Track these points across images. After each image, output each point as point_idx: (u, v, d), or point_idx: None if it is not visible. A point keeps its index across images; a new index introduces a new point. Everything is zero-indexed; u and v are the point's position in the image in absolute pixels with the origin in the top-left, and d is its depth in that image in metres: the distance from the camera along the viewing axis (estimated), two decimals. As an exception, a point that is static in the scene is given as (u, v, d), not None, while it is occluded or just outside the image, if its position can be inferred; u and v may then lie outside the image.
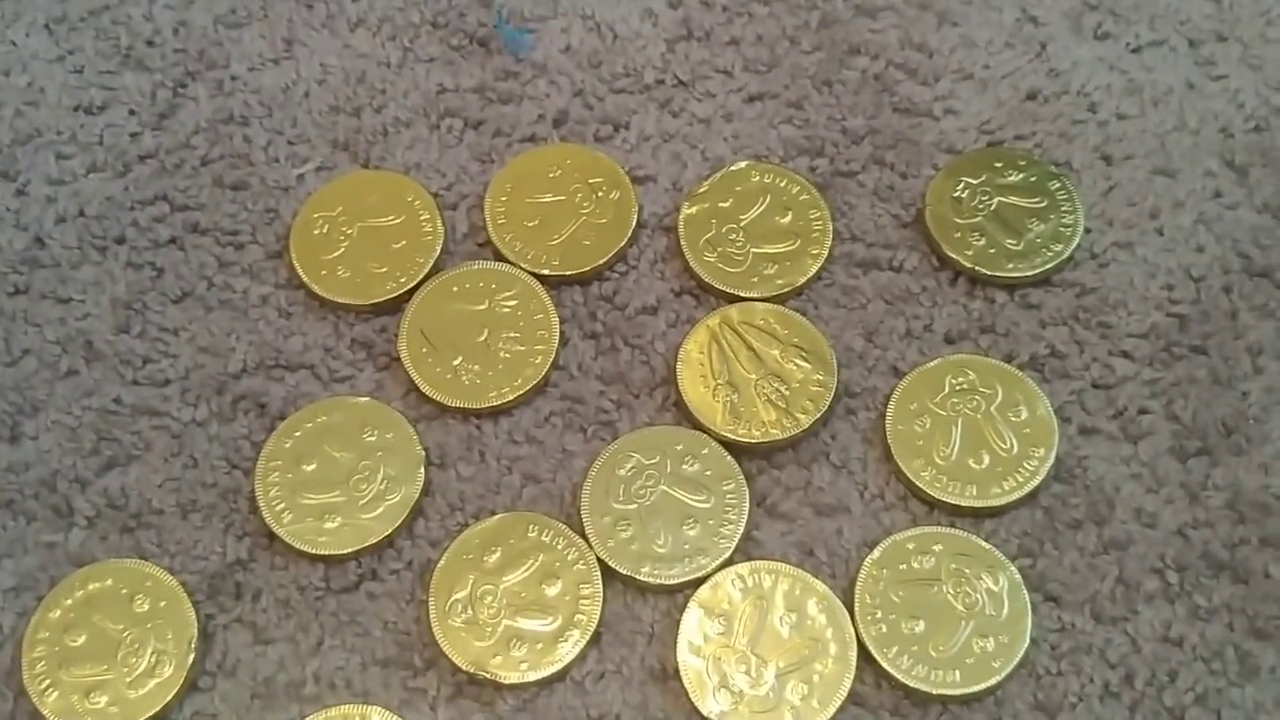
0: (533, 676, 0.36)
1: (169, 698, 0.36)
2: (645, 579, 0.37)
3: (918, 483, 0.37)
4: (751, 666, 0.35)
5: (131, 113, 0.44)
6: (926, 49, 0.44)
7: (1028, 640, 0.35)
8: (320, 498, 0.38)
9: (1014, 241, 0.40)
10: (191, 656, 0.36)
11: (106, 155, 0.43)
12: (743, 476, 0.38)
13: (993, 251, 0.40)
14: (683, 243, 0.41)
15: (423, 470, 0.38)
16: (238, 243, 0.42)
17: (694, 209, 0.41)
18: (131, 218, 0.42)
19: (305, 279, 0.41)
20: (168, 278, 0.41)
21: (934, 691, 0.35)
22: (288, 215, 0.42)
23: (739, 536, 0.37)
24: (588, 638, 0.36)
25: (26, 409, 0.39)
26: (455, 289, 0.41)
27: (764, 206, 0.41)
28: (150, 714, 0.35)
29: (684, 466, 0.38)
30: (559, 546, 0.37)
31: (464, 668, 0.36)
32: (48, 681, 0.36)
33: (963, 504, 0.37)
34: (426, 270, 0.41)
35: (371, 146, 0.43)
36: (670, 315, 0.41)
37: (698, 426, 0.39)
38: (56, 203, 0.42)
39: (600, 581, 0.37)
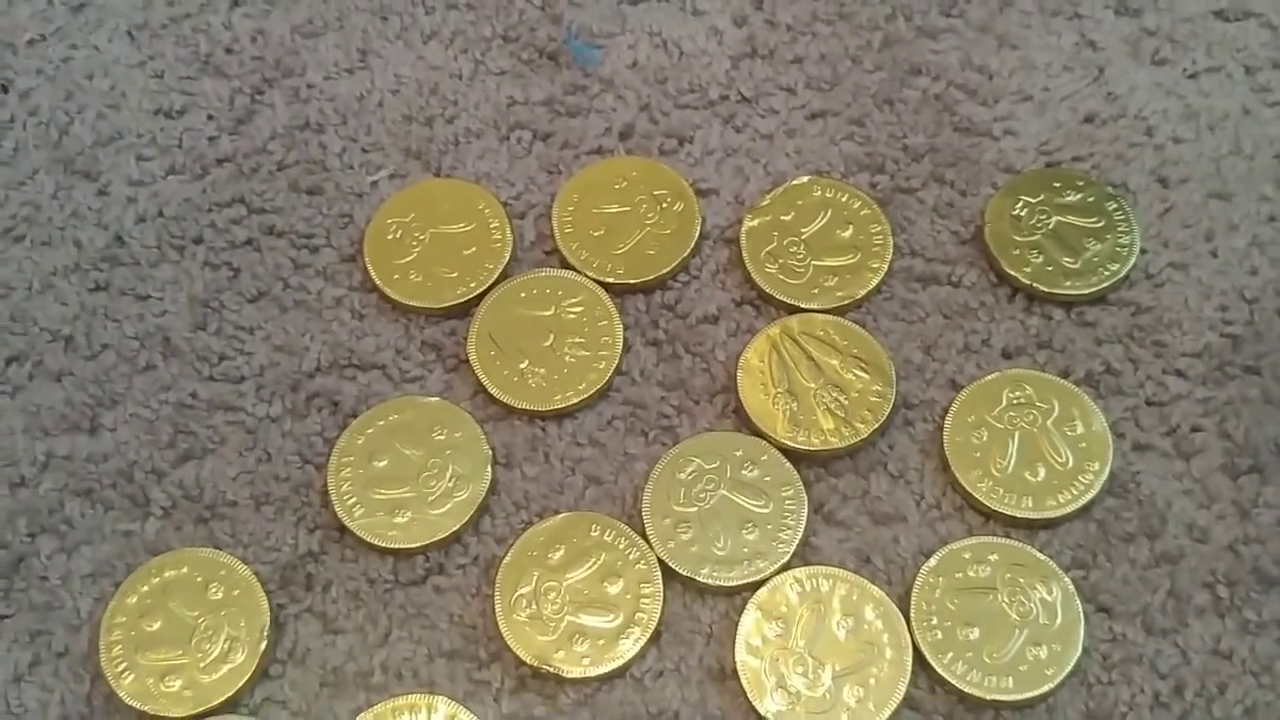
0: (594, 672, 0.36)
1: (241, 683, 0.37)
2: (705, 580, 0.37)
3: (975, 493, 0.38)
4: (809, 668, 0.36)
5: (210, 118, 0.45)
6: (987, 70, 0.45)
7: (1080, 649, 0.36)
8: (390, 493, 0.39)
9: (1071, 260, 0.41)
10: (263, 644, 0.37)
11: (185, 158, 0.44)
12: (801, 483, 0.39)
13: (1050, 269, 0.41)
14: (744, 254, 0.42)
15: (489, 469, 0.39)
16: (312, 246, 0.43)
17: (756, 221, 0.42)
18: (209, 219, 0.43)
19: (378, 282, 0.42)
20: (244, 278, 0.42)
21: (987, 697, 0.36)
22: (361, 220, 0.43)
23: (797, 542, 0.38)
24: (648, 636, 0.37)
25: (106, 401, 0.41)
26: (523, 295, 0.42)
27: (825, 220, 0.42)
28: (223, 698, 0.36)
29: (743, 472, 0.39)
30: (621, 546, 0.38)
31: (528, 661, 0.37)
32: (124, 665, 0.37)
33: (1018, 515, 0.38)
34: (495, 276, 0.42)
35: (443, 156, 0.44)
36: (731, 324, 0.42)
37: (757, 433, 0.40)
38: (137, 203, 0.44)
39: (661, 581, 0.38)
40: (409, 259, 0.42)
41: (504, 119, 0.44)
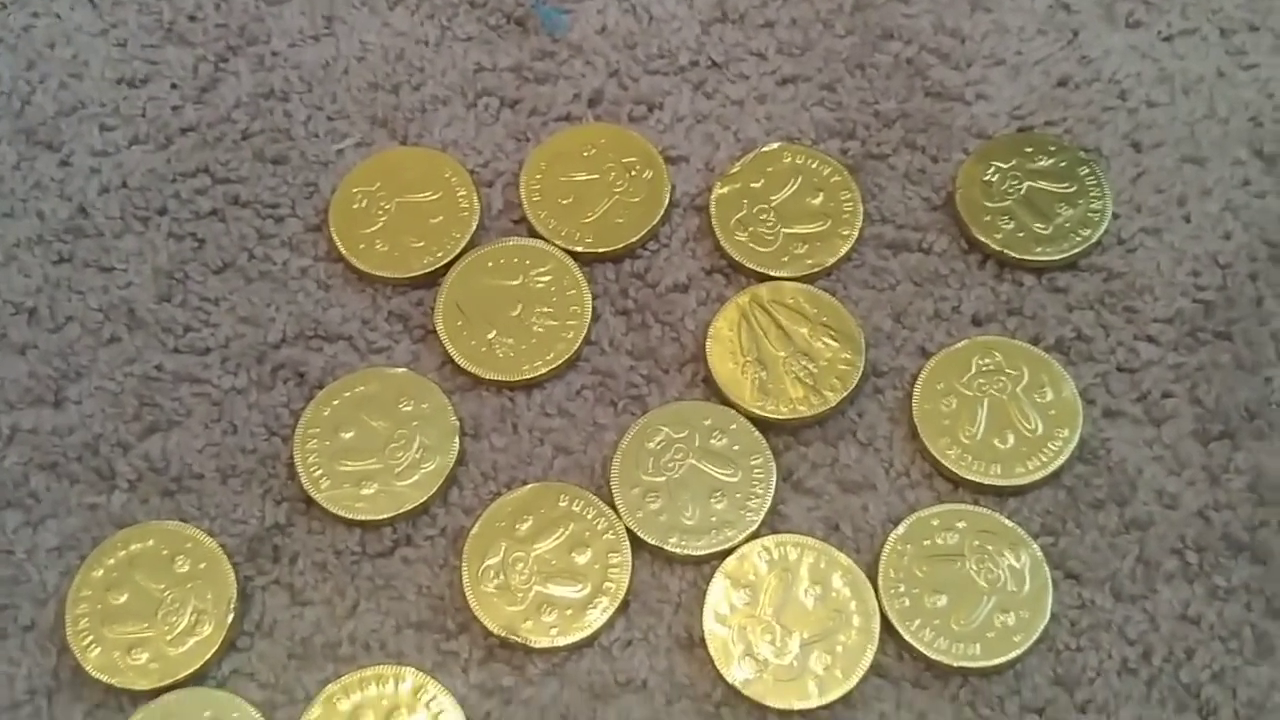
0: (562, 641, 0.36)
1: (208, 656, 0.36)
2: (673, 550, 0.37)
3: (943, 461, 0.38)
4: (776, 636, 0.36)
5: (173, 86, 0.44)
6: (959, 34, 0.44)
7: (1048, 616, 0.36)
8: (357, 465, 0.39)
9: (1042, 226, 0.41)
10: (230, 616, 0.37)
11: (149, 128, 0.44)
12: (770, 452, 0.39)
13: (1021, 235, 0.41)
14: (714, 222, 0.42)
15: (457, 440, 0.39)
16: (278, 216, 0.42)
17: (726, 189, 0.42)
18: (174, 189, 0.43)
19: (344, 252, 0.41)
20: (209, 249, 0.42)
21: (955, 664, 0.36)
22: (327, 190, 0.43)
23: (765, 510, 0.38)
24: (616, 605, 0.37)
25: (70, 374, 0.40)
26: (490, 264, 0.41)
27: (795, 187, 0.42)
28: (189, 671, 0.36)
29: (712, 441, 0.39)
30: (589, 516, 0.38)
31: (495, 631, 0.36)
32: (90, 638, 0.37)
33: (987, 482, 0.38)
34: (462, 245, 0.41)
35: (409, 123, 0.44)
36: (701, 293, 0.41)
37: (726, 402, 0.39)
38: (100, 173, 0.43)
39: (629, 551, 0.37)
40: (375, 228, 0.42)
41: (471, 86, 0.44)
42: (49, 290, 0.41)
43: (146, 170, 0.43)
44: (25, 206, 0.43)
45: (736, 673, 0.36)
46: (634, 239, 0.42)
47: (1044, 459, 0.38)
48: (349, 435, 0.39)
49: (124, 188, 0.43)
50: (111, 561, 0.38)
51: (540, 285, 0.41)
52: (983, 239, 0.41)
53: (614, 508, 0.38)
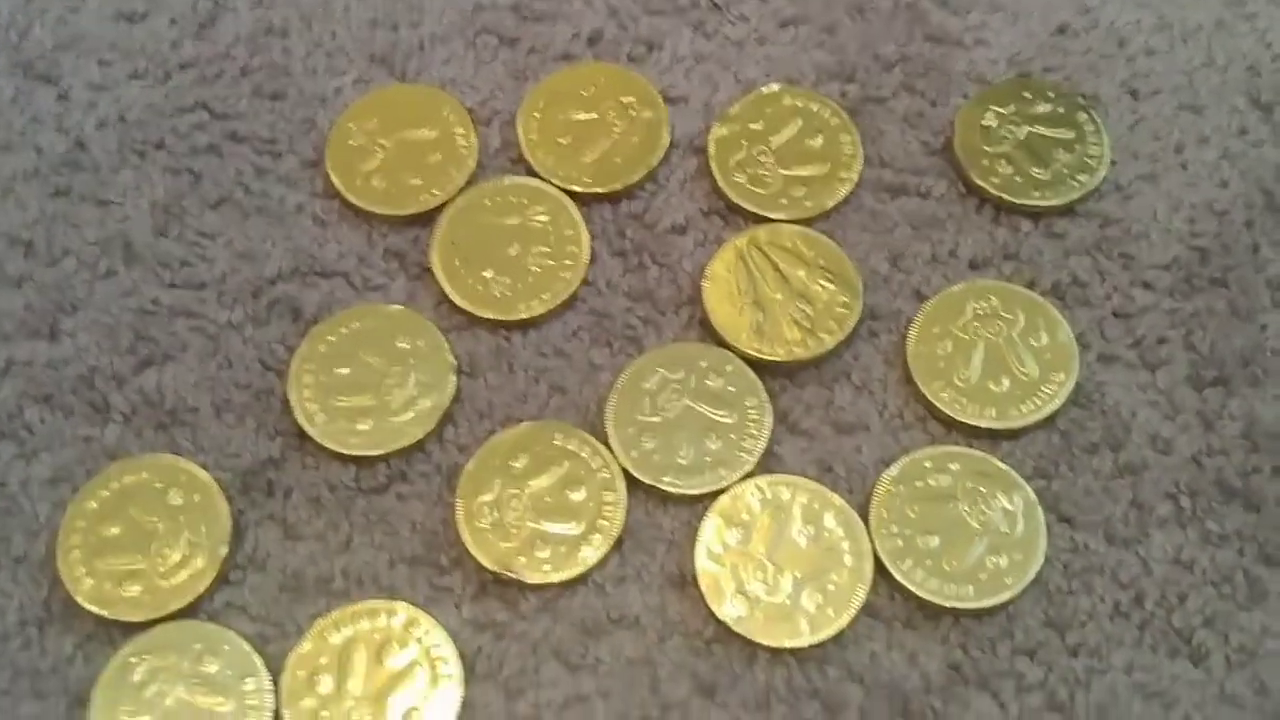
0: (556, 578, 0.36)
1: (200, 589, 0.36)
2: (667, 489, 0.37)
3: (937, 404, 0.38)
4: (768, 575, 0.36)
5: (172, 22, 0.44)
6: (960, -20, 0.44)
7: (1041, 559, 0.36)
8: (352, 401, 0.39)
9: (1040, 171, 0.41)
10: (223, 550, 0.37)
11: (147, 63, 0.44)
12: (765, 394, 0.38)
13: (1019, 180, 0.41)
14: (712, 164, 0.42)
15: (453, 378, 0.39)
16: (275, 151, 0.42)
17: (725, 130, 0.42)
18: (171, 124, 0.43)
19: (341, 188, 0.41)
20: (206, 184, 0.42)
21: (946, 605, 0.36)
22: (324, 126, 0.42)
23: (760, 451, 0.38)
24: (610, 543, 0.37)
25: (66, 307, 0.40)
26: (487, 203, 0.41)
27: (795, 130, 0.42)
28: (181, 604, 0.36)
29: (708, 382, 0.39)
30: (584, 455, 0.38)
31: (489, 567, 0.37)
32: (83, 569, 0.37)
33: (981, 425, 0.38)
34: (460, 183, 0.41)
35: (408, 61, 0.43)
36: (698, 235, 0.41)
37: (722, 344, 0.39)
38: (97, 108, 0.43)
39: (624, 490, 0.37)
40: (372, 165, 0.42)
41: (470, 23, 0.44)
42: (45, 223, 0.41)
43: (144, 105, 0.43)
44: (22, 140, 0.42)
45: (728, 610, 0.36)
46: (632, 179, 0.41)
47: (1038, 403, 0.38)
48: (344, 371, 0.39)
49: (121, 122, 0.43)
50: (105, 494, 0.38)
51: (538, 225, 0.41)
52: (980, 183, 0.41)
53: (609, 447, 0.38)
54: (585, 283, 0.41)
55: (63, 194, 0.42)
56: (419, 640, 0.36)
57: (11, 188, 0.42)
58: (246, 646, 0.36)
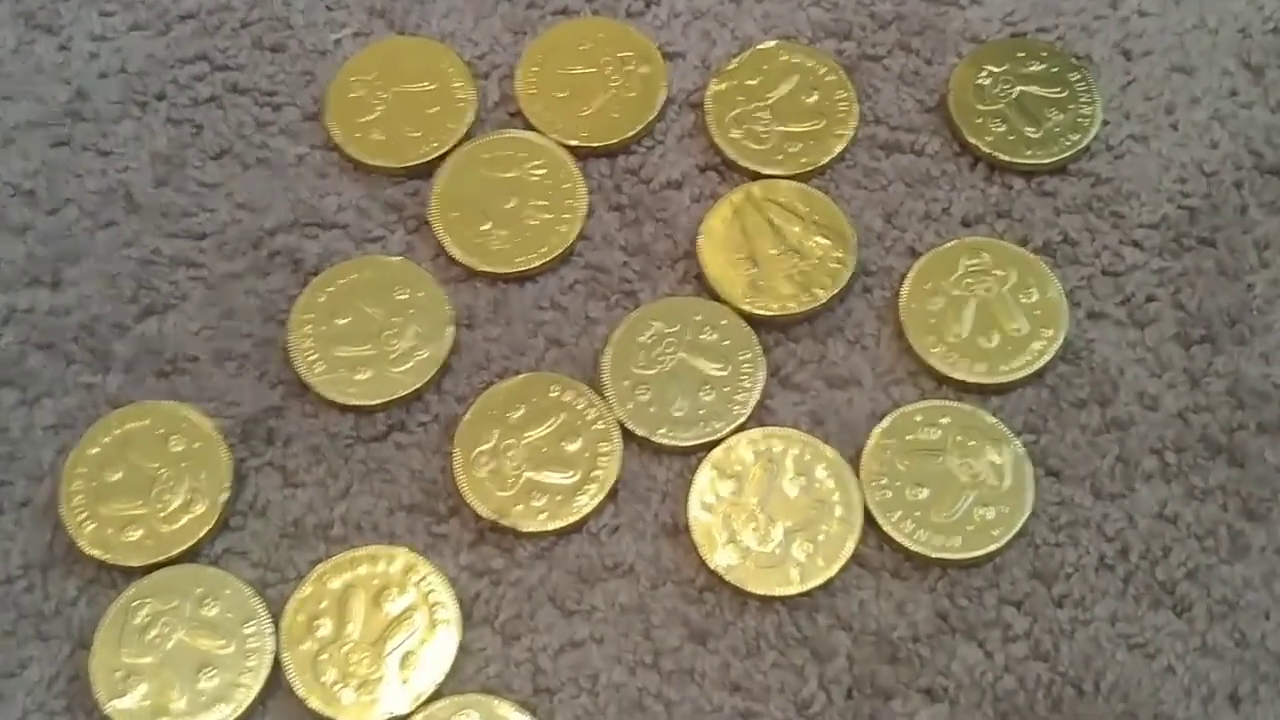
0: (551, 526, 0.37)
1: (201, 534, 0.37)
2: (661, 440, 0.38)
3: (928, 359, 0.39)
4: (760, 524, 0.37)
5: (173, -27, 0.45)
6: (956, -61, 0.44)
7: (1028, 511, 0.37)
8: (352, 350, 0.39)
9: (1033, 130, 0.41)
10: (224, 496, 0.37)
11: (148, 14, 0.44)
12: (760, 347, 0.39)
13: (1012, 139, 0.41)
14: (709, 119, 0.42)
15: (452, 329, 0.39)
16: (275, 104, 0.43)
17: (722, 86, 0.42)
18: (172, 75, 0.43)
19: (340, 141, 0.42)
20: (206, 135, 0.42)
21: (934, 555, 0.36)
22: (324, 79, 0.43)
23: (753, 404, 0.38)
24: (605, 492, 0.37)
25: (68, 256, 0.41)
26: (486, 156, 0.42)
27: (791, 86, 0.42)
28: (183, 548, 0.37)
29: (702, 336, 0.39)
30: (580, 407, 0.38)
31: (486, 515, 0.37)
32: (85, 514, 0.37)
33: (971, 380, 0.38)
34: (459, 137, 0.42)
35: (407, 14, 0.44)
36: (695, 190, 0.42)
37: (717, 299, 0.40)
38: (99, 58, 0.43)
39: (619, 441, 0.38)
40: (371, 118, 0.42)
41: (470, -22, 0.44)
42: (47, 173, 0.42)
43: (145, 56, 0.43)
44: (24, 90, 0.43)
45: (720, 559, 0.37)
46: (629, 134, 0.42)
47: (1028, 358, 0.38)
48: (344, 321, 0.39)
49: (123, 73, 0.43)
50: (107, 440, 0.38)
51: (535, 179, 0.41)
52: (974, 141, 0.41)
53: (605, 399, 0.38)
54: (582, 237, 0.41)
55: (64, 144, 0.42)
56: (416, 585, 0.37)
57: (13, 137, 0.42)
58: (247, 591, 0.37)
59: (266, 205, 0.41)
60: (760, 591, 0.36)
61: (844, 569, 0.36)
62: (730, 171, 0.42)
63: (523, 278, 0.40)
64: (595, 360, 0.39)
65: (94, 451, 0.38)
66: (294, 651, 0.36)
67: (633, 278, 0.41)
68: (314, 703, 0.35)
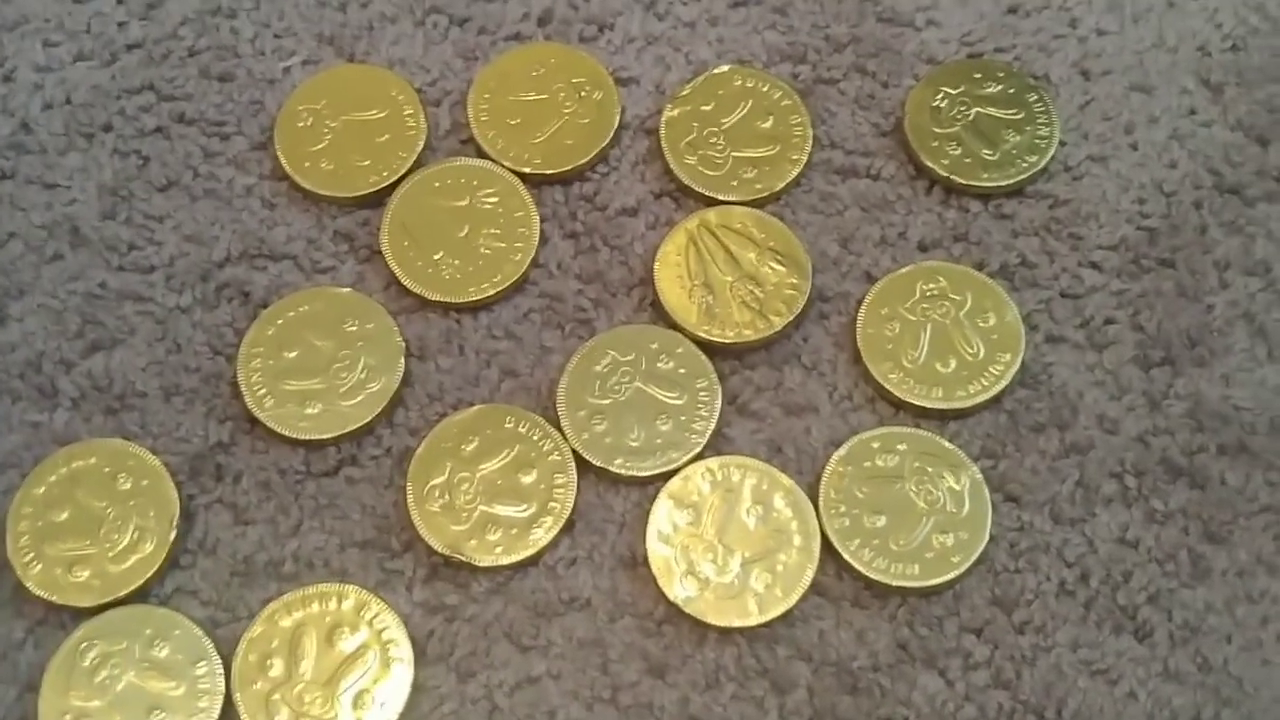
0: (506, 560, 0.37)
1: (150, 573, 0.36)
2: (618, 471, 0.38)
3: (885, 385, 0.38)
4: (718, 555, 0.36)
5: (119, 2, 0.44)
6: (911, -40, 0.44)
7: (987, 537, 0.36)
8: (301, 384, 0.38)
9: (990, 152, 0.41)
10: (173, 534, 0.37)
11: (94, 44, 0.43)
12: (715, 375, 0.39)
13: (968, 161, 0.41)
14: (664, 145, 0.41)
15: (403, 360, 0.39)
16: (223, 133, 0.42)
17: (676, 111, 0.42)
18: (118, 106, 0.42)
19: (289, 170, 0.41)
20: (153, 166, 0.42)
21: (893, 583, 0.36)
22: (273, 108, 0.42)
23: (710, 433, 0.38)
24: (561, 525, 0.37)
25: (12, 292, 0.40)
26: (437, 184, 0.41)
27: (745, 111, 0.42)
28: (131, 588, 0.36)
29: (659, 364, 0.39)
30: (535, 438, 0.38)
31: (440, 550, 0.37)
32: (31, 555, 0.37)
33: (928, 406, 0.38)
34: (409, 165, 0.41)
35: (356, 41, 0.43)
36: (649, 217, 0.41)
37: (673, 326, 0.39)
38: (43, 89, 0.43)
39: (575, 472, 0.37)
40: (321, 147, 0.41)
41: (419, 3, 0.44)
42: (-9, 207, 0.41)
43: (91, 86, 0.43)
44: (-34, 122, 0.42)
45: (678, 591, 0.36)
46: (583, 161, 0.41)
47: (985, 383, 0.38)
48: (293, 355, 0.39)
49: (68, 104, 0.42)
50: (53, 479, 0.37)
51: (488, 206, 0.41)
52: (930, 164, 0.41)
53: (560, 430, 0.38)
54: (536, 265, 0.40)
55: (8, 177, 0.41)
56: (369, 623, 0.36)
57: (-43, 170, 0.42)
58: (197, 630, 0.36)
59: (215, 237, 0.41)
60: (719, 623, 0.36)
61: (803, 599, 0.36)
62: (685, 198, 0.41)
63: (476, 307, 0.40)
64: (550, 390, 0.39)
65: (40, 491, 0.37)
66: (246, 692, 0.35)
67: (588, 306, 0.40)
68: (265, 745, 0.35)
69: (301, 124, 0.42)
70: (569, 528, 0.37)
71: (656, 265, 0.40)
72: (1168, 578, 0.37)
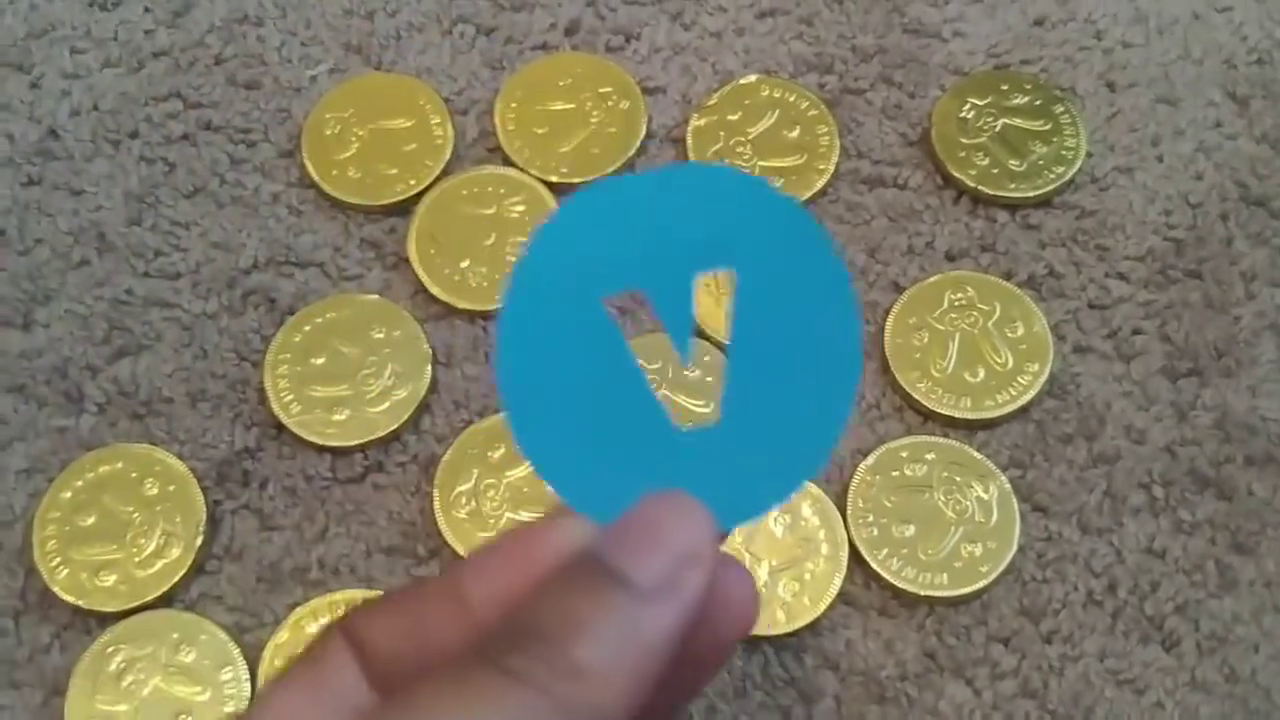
0: (533, 568, 0.36)
1: (176, 578, 0.36)
2: (644, 478, 0.37)
3: (914, 394, 0.38)
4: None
5: (146, 10, 0.44)
6: (937, -29, 0.44)
7: (1015, 547, 0.36)
8: (328, 391, 0.38)
9: (1017, 163, 0.41)
10: (199, 539, 0.37)
11: (121, 51, 0.43)
12: (743, 383, 0.39)
13: (996, 172, 0.41)
14: (690, 154, 0.42)
15: (429, 368, 0.39)
16: (250, 141, 0.42)
17: (703, 121, 0.42)
18: (145, 113, 0.42)
19: (316, 178, 0.41)
20: (180, 173, 0.42)
21: (922, 593, 0.36)
22: (300, 115, 0.42)
23: (737, 441, 0.38)
24: (587, 532, 0.37)
25: (39, 297, 0.40)
26: (464, 193, 0.41)
27: (772, 121, 0.42)
28: (158, 593, 0.36)
29: (685, 372, 0.39)
30: (561, 445, 0.38)
31: (467, 556, 0.36)
32: (58, 559, 0.37)
33: (957, 415, 0.38)
34: (436, 173, 0.41)
35: (384, 50, 0.43)
36: (675, 225, 0.41)
37: (700, 335, 0.39)
38: (71, 96, 0.43)
39: (600, 479, 0.37)
40: (348, 155, 0.41)
41: (447, 13, 0.44)
42: (18, 213, 0.41)
43: (118, 94, 0.43)
44: (-6, 128, 0.42)
45: (705, 599, 0.36)
46: (610, 170, 0.41)
47: (1013, 393, 0.38)
48: (320, 361, 0.39)
49: (95, 111, 0.42)
50: (80, 484, 0.37)
51: (514, 215, 0.41)
52: (957, 175, 0.41)
53: (585, 437, 0.38)
54: (562, 273, 0.40)
55: (35, 183, 0.42)
56: (396, 630, 0.36)
57: (-16, 176, 0.42)
58: (223, 636, 0.36)
59: (241, 244, 0.41)
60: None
61: (831, 608, 0.36)
62: (711, 206, 0.41)
63: (502, 315, 0.40)
64: (576, 398, 0.39)
65: (67, 495, 0.37)
66: (271, 698, 0.35)
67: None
68: (291, 751, 0.35)
69: (329, 132, 0.42)
70: (595, 535, 0.37)
71: (682, 274, 0.40)
72: (1195, 588, 0.37)
